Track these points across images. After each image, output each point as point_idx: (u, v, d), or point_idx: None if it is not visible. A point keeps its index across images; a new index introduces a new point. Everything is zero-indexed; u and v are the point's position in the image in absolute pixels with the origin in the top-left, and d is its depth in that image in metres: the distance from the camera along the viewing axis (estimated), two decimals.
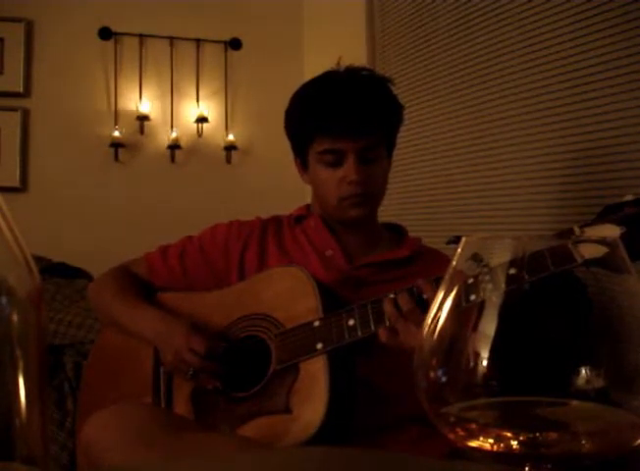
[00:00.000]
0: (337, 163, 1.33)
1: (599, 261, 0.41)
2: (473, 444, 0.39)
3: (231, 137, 3.38)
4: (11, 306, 0.29)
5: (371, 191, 1.35)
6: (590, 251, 0.41)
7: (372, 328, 1.18)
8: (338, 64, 1.40)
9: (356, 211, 1.35)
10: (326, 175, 1.35)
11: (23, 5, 3.15)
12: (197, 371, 1.29)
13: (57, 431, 1.82)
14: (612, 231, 0.99)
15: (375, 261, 1.38)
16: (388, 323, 1.16)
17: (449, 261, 0.42)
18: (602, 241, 0.41)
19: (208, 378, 1.30)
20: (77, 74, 3.22)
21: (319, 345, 1.21)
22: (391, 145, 1.42)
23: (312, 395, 1.18)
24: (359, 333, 1.19)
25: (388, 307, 1.16)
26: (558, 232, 1.19)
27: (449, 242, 1.30)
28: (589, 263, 0.41)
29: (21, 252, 0.30)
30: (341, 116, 1.31)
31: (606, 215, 1.07)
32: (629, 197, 1.07)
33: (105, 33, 3.24)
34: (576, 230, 1.04)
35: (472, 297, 0.41)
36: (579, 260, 0.41)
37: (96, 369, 1.50)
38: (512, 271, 0.40)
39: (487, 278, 0.40)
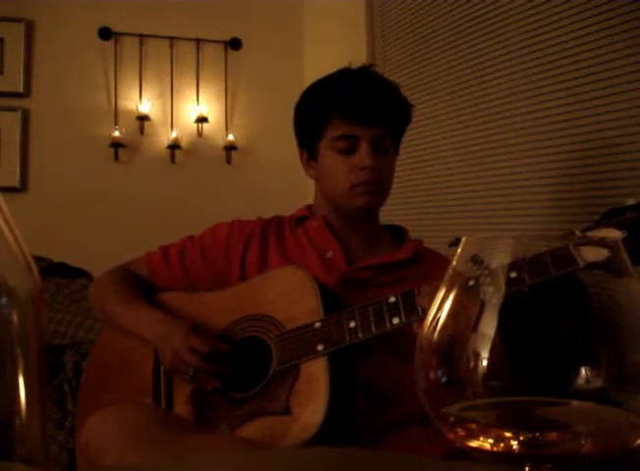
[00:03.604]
0: (350, 150, 1.35)
1: (600, 264, 0.41)
2: (473, 444, 0.39)
3: (231, 137, 3.38)
4: (11, 306, 0.29)
5: (381, 181, 1.37)
6: (591, 254, 0.41)
7: (373, 330, 1.18)
8: (350, 64, 1.43)
9: (366, 199, 1.36)
10: (338, 162, 1.36)
11: (23, 5, 3.15)
12: (197, 372, 1.29)
13: (57, 431, 1.82)
14: (613, 235, 0.99)
15: (375, 263, 1.38)
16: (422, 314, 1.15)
17: (449, 263, 0.42)
18: (602, 243, 0.41)
19: (208, 379, 1.30)
20: (77, 74, 3.22)
21: (320, 347, 1.21)
22: (398, 142, 1.43)
23: (312, 397, 1.18)
24: (360, 335, 1.19)
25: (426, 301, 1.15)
26: (559, 235, 1.19)
27: (451, 245, 1.30)
28: (590, 266, 0.41)
29: (21, 252, 0.30)
30: (358, 99, 1.35)
31: (607, 219, 1.07)
32: (631, 201, 1.07)
33: (105, 33, 3.25)
34: (578, 233, 1.04)
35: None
36: (581, 264, 0.41)
37: (96, 369, 1.50)
38: (513, 274, 0.40)
39: (487, 280, 0.40)
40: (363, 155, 1.33)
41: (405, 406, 1.14)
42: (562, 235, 1.11)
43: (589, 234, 1.03)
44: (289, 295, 1.29)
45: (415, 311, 1.15)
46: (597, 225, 1.06)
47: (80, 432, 1.15)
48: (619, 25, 1.73)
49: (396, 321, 1.17)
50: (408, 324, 1.17)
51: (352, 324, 1.20)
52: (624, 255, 0.40)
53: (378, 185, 1.37)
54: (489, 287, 0.40)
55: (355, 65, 1.43)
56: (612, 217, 1.06)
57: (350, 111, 1.34)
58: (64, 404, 1.87)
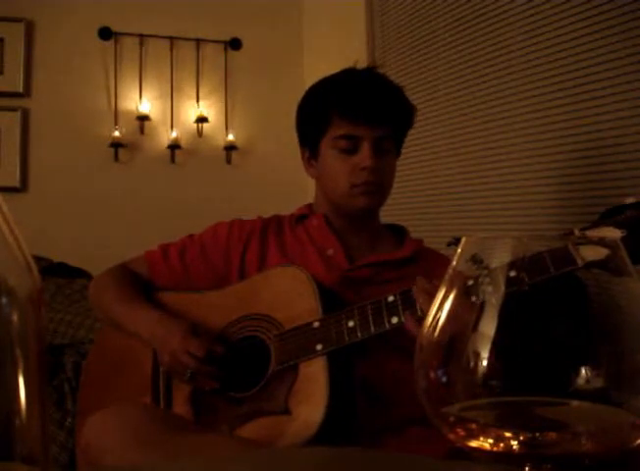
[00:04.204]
0: (351, 150, 1.35)
1: (599, 263, 0.41)
2: (473, 444, 0.39)
3: (231, 137, 3.38)
4: (11, 306, 0.29)
5: (381, 182, 1.37)
6: (591, 253, 0.41)
7: (372, 329, 1.18)
8: (355, 64, 1.43)
9: (365, 200, 1.36)
10: (339, 161, 1.36)
11: (23, 5, 3.15)
12: (195, 373, 1.29)
13: (57, 431, 1.82)
14: (612, 234, 0.99)
15: (376, 261, 1.38)
16: (420, 312, 1.14)
17: (449, 262, 0.43)
18: (602, 243, 0.41)
19: (206, 380, 1.30)
20: (77, 74, 3.22)
21: (319, 347, 1.21)
22: (399, 144, 1.43)
23: (311, 397, 1.18)
24: (359, 334, 1.19)
25: (419, 294, 1.14)
26: (558, 234, 1.19)
27: (450, 244, 1.30)
28: (590, 265, 0.41)
29: (21, 252, 0.30)
30: (362, 99, 1.35)
31: (607, 218, 1.06)
32: (630, 200, 1.06)
33: (105, 33, 3.24)
34: (577, 232, 1.04)
35: (472, 299, 0.41)
36: (580, 263, 0.41)
37: (96, 369, 1.50)
38: (512, 273, 0.40)
39: (487, 280, 0.40)
40: (364, 155, 1.33)
41: (405, 406, 1.14)
42: (562, 235, 1.11)
43: (588, 233, 1.03)
44: (288, 295, 1.29)
45: (414, 310, 1.15)
46: (596, 224, 1.06)
47: (81, 432, 1.15)
48: (619, 25, 1.73)
49: (394, 320, 1.17)
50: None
51: (351, 323, 1.20)
52: (624, 254, 0.40)
53: (378, 186, 1.37)
54: (488, 286, 0.40)
55: (360, 65, 1.43)
56: (611, 215, 1.06)
57: (353, 111, 1.34)
58: (64, 404, 1.87)
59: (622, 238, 0.98)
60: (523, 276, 0.40)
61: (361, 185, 1.35)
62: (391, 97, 1.38)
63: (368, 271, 1.37)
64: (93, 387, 1.47)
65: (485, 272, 0.40)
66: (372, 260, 1.39)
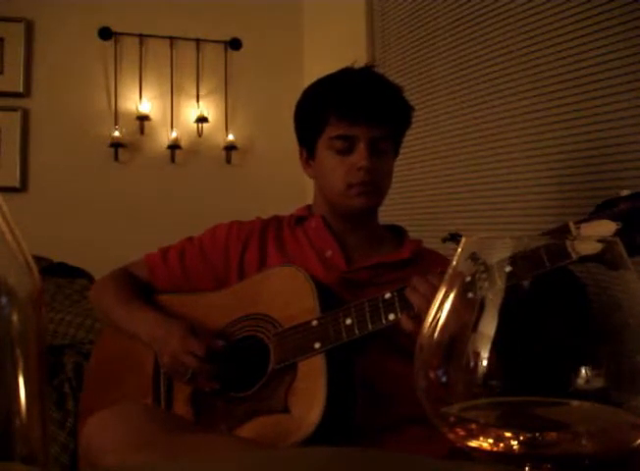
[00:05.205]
0: (348, 150, 1.34)
1: (596, 257, 0.41)
2: (473, 444, 0.39)
3: (231, 137, 3.38)
4: (11, 306, 0.29)
5: (378, 182, 1.36)
6: (587, 248, 0.41)
7: (369, 326, 1.19)
8: (353, 64, 1.43)
9: (361, 200, 1.36)
10: (335, 161, 1.36)
11: (23, 5, 3.15)
12: (195, 373, 1.29)
13: (58, 431, 1.82)
14: (607, 226, 0.99)
15: (375, 263, 1.38)
16: (416, 309, 1.14)
17: (449, 262, 0.43)
18: (601, 240, 0.41)
19: (206, 380, 1.30)
20: (77, 74, 3.22)
21: (317, 345, 1.21)
22: (397, 145, 1.43)
23: (310, 395, 1.18)
24: (357, 332, 1.19)
25: (413, 296, 1.14)
26: (553, 228, 1.18)
27: (444, 240, 1.30)
28: (586, 259, 0.41)
29: (21, 252, 0.30)
30: (357, 99, 1.34)
31: (601, 211, 1.06)
32: (625, 192, 1.06)
33: (105, 33, 3.24)
34: (572, 226, 1.04)
35: (469, 295, 0.41)
36: (574, 257, 0.41)
37: (97, 370, 1.50)
38: (508, 268, 0.40)
39: (484, 275, 0.40)
40: (360, 156, 1.33)
41: (405, 405, 1.14)
42: (557, 229, 1.11)
43: (583, 226, 1.03)
44: (286, 295, 1.29)
45: (411, 306, 1.15)
46: (591, 217, 1.06)
47: (82, 432, 1.15)
48: (620, 24, 1.73)
49: (391, 317, 1.17)
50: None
51: (349, 321, 1.20)
52: (621, 248, 0.40)
53: (374, 187, 1.36)
54: (485, 281, 0.40)
55: (358, 65, 1.43)
56: (606, 208, 1.06)
57: (349, 111, 1.33)
58: (64, 405, 1.87)
59: (617, 231, 0.98)
60: (519, 270, 0.40)
61: (357, 186, 1.34)
62: (388, 97, 1.38)
63: (367, 273, 1.37)
64: (95, 387, 1.48)
65: (482, 268, 0.40)
66: (371, 262, 1.38)
